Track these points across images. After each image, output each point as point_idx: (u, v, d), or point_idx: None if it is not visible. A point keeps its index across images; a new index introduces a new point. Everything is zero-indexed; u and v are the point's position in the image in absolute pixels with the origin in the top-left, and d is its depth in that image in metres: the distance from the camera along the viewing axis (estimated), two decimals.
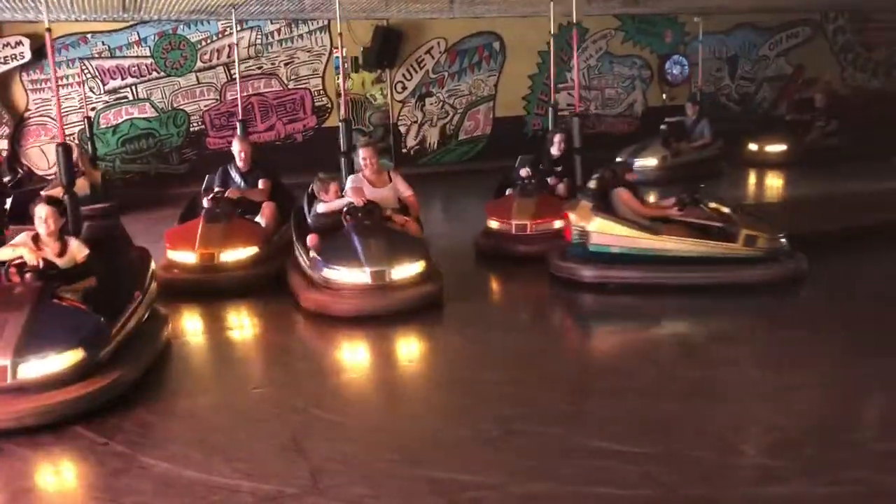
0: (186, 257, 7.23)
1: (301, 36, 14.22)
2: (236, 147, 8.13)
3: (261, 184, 7.95)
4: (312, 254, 6.65)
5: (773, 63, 17.50)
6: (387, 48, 14.27)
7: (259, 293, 7.10)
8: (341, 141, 9.44)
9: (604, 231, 6.85)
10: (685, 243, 6.78)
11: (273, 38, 14.10)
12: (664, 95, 16.64)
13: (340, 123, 9.67)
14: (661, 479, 3.71)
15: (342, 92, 12.66)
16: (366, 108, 15.97)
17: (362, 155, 7.34)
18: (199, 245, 7.16)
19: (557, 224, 7.85)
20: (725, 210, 7.09)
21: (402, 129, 15.17)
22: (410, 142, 15.24)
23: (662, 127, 13.37)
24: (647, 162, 12.88)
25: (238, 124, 11.13)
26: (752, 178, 13.58)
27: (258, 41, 14.02)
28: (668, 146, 13.11)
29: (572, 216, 7.06)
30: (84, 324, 4.84)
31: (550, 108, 10.07)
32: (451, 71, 15.28)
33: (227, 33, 13.67)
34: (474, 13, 14.02)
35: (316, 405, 4.75)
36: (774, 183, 13.19)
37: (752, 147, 14.44)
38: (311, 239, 6.88)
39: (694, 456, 3.94)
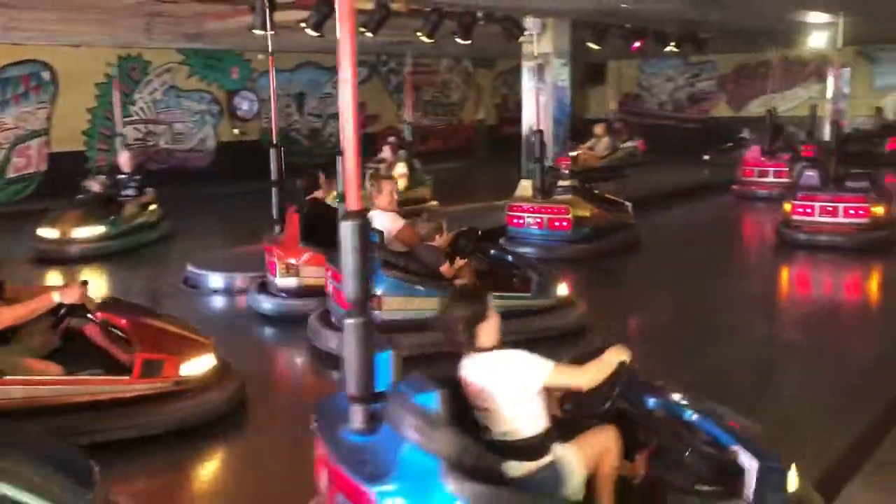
0: None
1: None
2: None
3: None
4: None
5: (336, 101, 18.60)
6: None
7: None
8: None
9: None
10: None
11: None
12: (235, 130, 16.73)
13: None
14: None
15: None
16: None
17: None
18: None
19: None
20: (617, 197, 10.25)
21: None
22: None
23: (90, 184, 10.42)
24: (91, 232, 9.63)
25: None
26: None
27: None
28: (108, 209, 10.00)
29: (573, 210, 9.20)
30: None
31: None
32: None
33: None
34: (11, 39, 12.59)
35: None
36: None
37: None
38: None
39: None
